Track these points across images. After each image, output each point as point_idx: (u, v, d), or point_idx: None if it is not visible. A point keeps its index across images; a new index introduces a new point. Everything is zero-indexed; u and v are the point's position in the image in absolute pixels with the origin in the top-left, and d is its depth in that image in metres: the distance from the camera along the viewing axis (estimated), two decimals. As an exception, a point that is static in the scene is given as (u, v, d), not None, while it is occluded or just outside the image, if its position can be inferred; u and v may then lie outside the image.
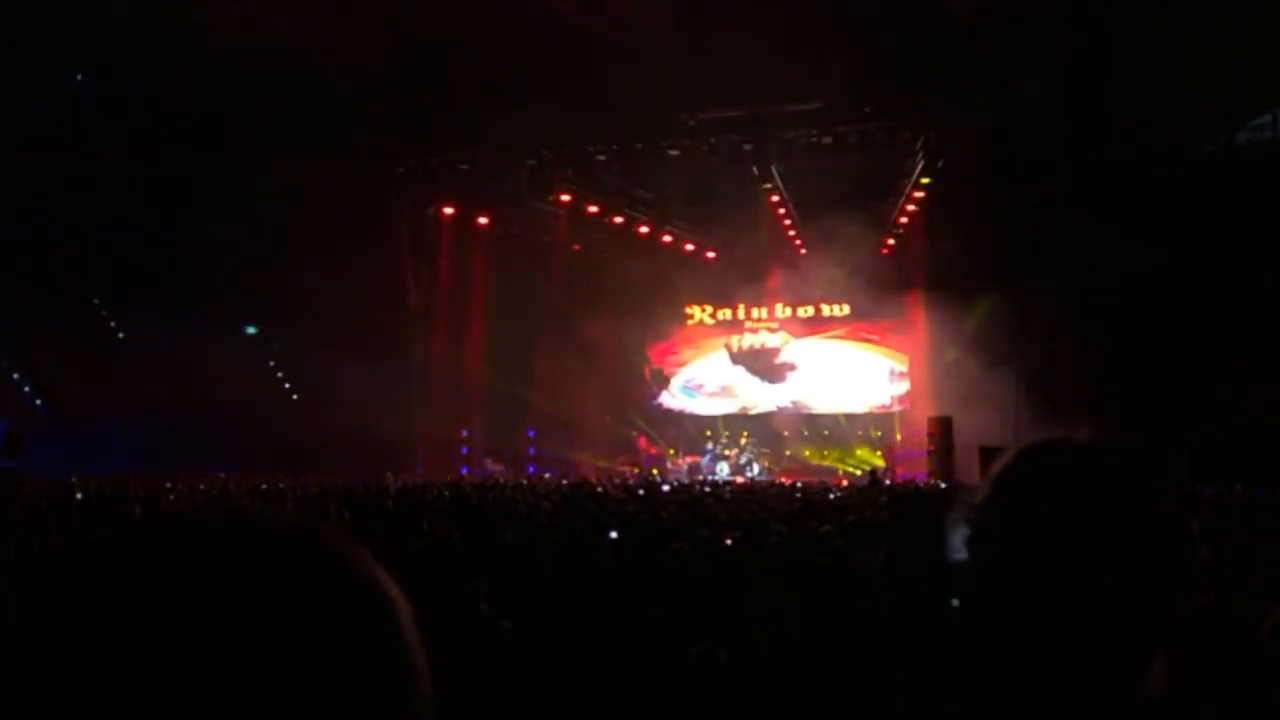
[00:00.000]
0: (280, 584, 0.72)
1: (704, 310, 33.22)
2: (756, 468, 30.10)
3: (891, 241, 29.46)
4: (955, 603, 1.32)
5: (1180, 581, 1.25)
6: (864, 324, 31.52)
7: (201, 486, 19.08)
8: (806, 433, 31.61)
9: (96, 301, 32.32)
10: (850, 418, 31.57)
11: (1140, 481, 1.28)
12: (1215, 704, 2.07)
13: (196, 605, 0.69)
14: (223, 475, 23.26)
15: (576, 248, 31.59)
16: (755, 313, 32.69)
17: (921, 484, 22.69)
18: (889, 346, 31.51)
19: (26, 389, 32.56)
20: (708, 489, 19.14)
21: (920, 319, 29.45)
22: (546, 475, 27.39)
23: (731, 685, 4.19)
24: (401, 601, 0.78)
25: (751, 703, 4.33)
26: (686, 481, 24.53)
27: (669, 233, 30.43)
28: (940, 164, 25.46)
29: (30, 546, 8.25)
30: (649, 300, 31.87)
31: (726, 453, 30.97)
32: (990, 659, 1.28)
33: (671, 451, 31.85)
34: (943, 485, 21.09)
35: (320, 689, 0.70)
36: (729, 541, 8.47)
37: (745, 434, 31.56)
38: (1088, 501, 1.25)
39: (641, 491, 16.96)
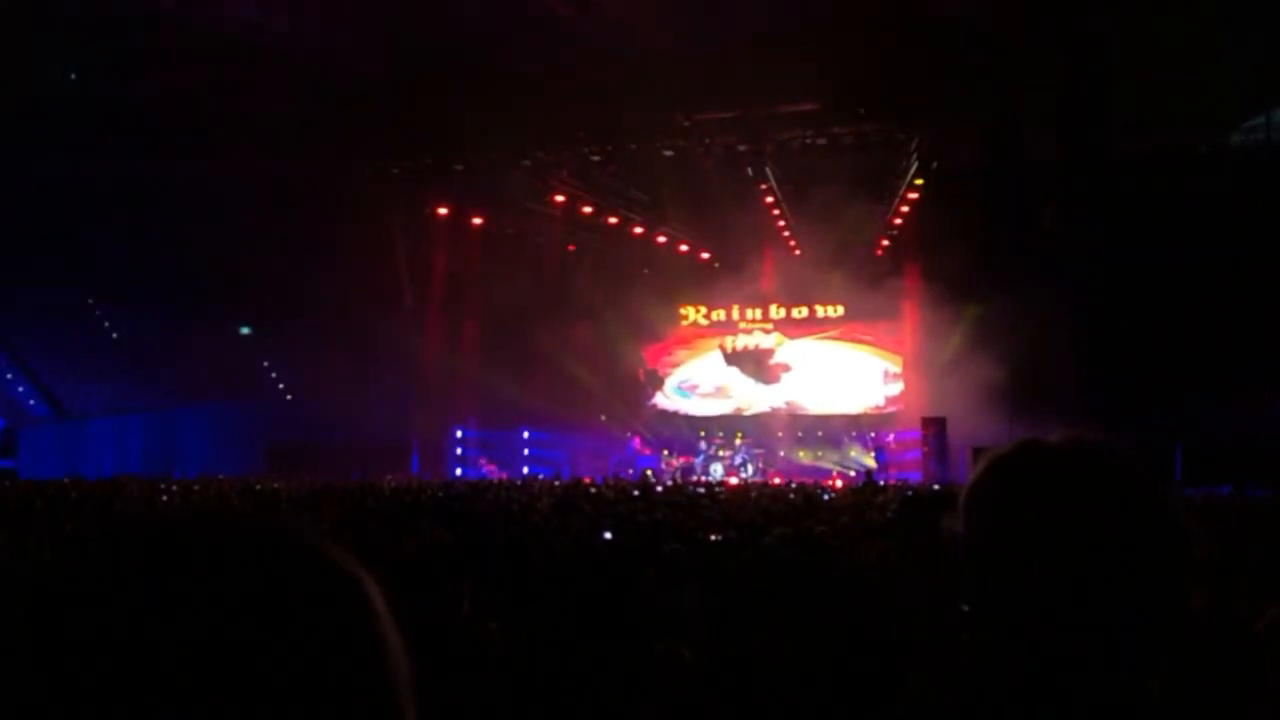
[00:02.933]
0: (249, 573, 0.73)
1: (698, 311, 33.24)
2: (751, 468, 30.12)
3: (886, 242, 29.51)
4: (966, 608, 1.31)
5: (1171, 579, 1.23)
6: (858, 325, 31.56)
7: (196, 487, 19.05)
8: (800, 433, 31.62)
9: (91, 301, 32.27)
10: (844, 418, 31.58)
11: (1115, 479, 1.27)
12: (1211, 705, 2.07)
13: (167, 605, 0.70)
14: (221, 478, 23.23)
15: (571, 248, 31.60)
16: (749, 313, 32.71)
17: (923, 487, 22.64)
18: (883, 347, 31.54)
19: (21, 388, 32.50)
20: (701, 490, 19.12)
21: (914, 320, 29.48)
22: (541, 476, 27.38)
23: (698, 683, 4.18)
24: (372, 584, 0.79)
25: (745, 703, 4.32)
26: (680, 482, 24.52)
27: (663, 233, 30.44)
28: (935, 165, 25.49)
29: (24, 546, 8.23)
30: (643, 301, 31.87)
31: (721, 453, 30.99)
32: (992, 661, 1.28)
33: (666, 452, 31.85)
34: (939, 486, 21.06)
35: (294, 670, 0.71)
36: (714, 538, 8.47)
37: (740, 435, 31.58)
38: (1063, 502, 1.24)
39: (636, 492, 16.94)
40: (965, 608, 1.30)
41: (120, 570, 0.73)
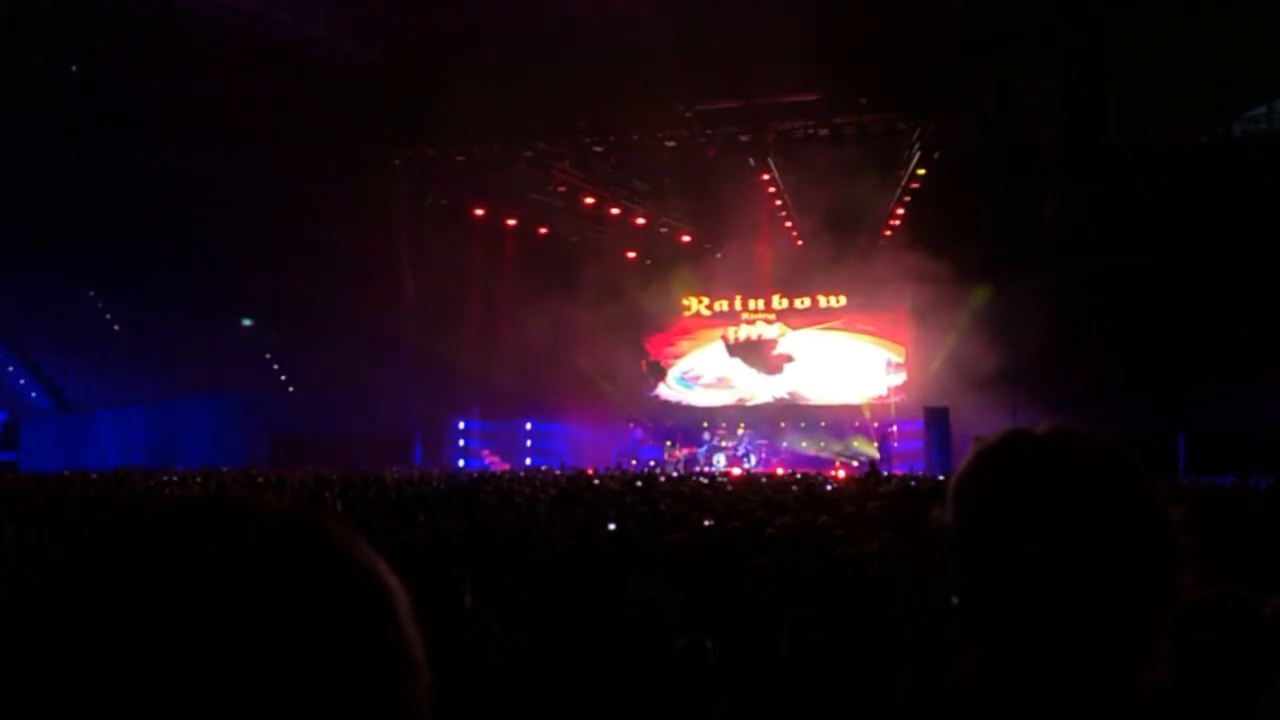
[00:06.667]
0: (277, 572, 0.71)
1: (701, 301, 33.21)
2: (754, 459, 30.13)
3: (888, 232, 29.44)
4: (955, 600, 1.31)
5: (1159, 568, 1.22)
6: (861, 315, 31.54)
7: (198, 479, 19.07)
8: (803, 424, 31.61)
9: (93, 294, 32.28)
10: (847, 409, 31.56)
11: (1100, 468, 1.26)
12: (1215, 694, 2.07)
13: (191, 595, 0.68)
14: (224, 469, 23.26)
15: (573, 239, 31.57)
16: (752, 304, 32.70)
17: (926, 478, 22.61)
18: (885, 338, 31.51)
19: (23, 381, 32.53)
20: (704, 480, 19.14)
21: (917, 310, 29.45)
22: (543, 467, 27.40)
23: (719, 675, 4.19)
24: (399, 590, 0.77)
25: (748, 694, 4.33)
26: (683, 473, 24.53)
27: (665, 224, 30.40)
28: (937, 155, 25.44)
29: (25, 539, 8.25)
30: (645, 292, 31.85)
31: (724, 444, 30.99)
32: (981, 653, 1.27)
33: (668, 443, 31.84)
34: (943, 477, 21.06)
35: (316, 678, 0.69)
36: (706, 523, 8.49)
37: (743, 425, 31.57)
38: (1048, 493, 1.24)
39: (639, 483, 16.94)
40: (954, 599, 1.30)
41: (136, 559, 0.70)
